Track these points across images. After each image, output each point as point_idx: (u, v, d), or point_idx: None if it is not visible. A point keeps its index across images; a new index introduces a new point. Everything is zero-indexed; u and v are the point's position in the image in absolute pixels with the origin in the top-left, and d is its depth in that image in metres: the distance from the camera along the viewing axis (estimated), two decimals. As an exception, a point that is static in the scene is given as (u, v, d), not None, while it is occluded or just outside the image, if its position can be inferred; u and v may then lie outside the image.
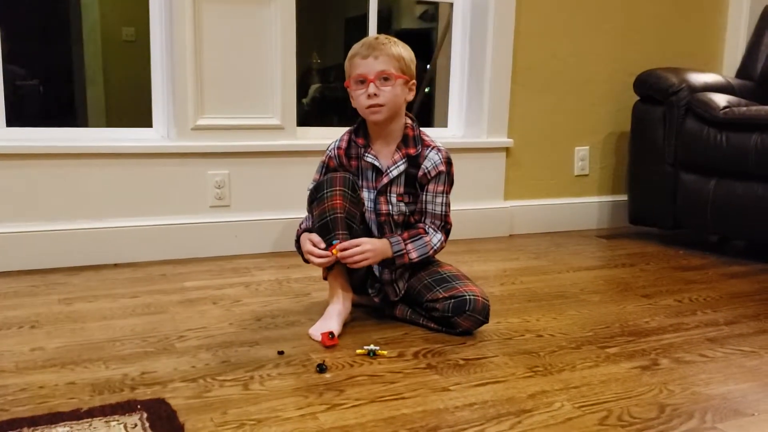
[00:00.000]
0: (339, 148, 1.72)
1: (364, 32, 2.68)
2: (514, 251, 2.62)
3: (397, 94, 1.63)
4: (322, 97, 5.48)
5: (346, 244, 1.57)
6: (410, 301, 1.72)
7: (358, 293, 1.74)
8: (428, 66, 4.03)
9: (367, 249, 1.58)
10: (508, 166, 2.87)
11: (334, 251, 1.56)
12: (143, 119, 2.44)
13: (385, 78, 1.61)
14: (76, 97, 4.59)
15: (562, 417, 1.22)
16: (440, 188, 1.68)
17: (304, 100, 5.29)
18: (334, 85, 5.48)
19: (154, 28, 2.34)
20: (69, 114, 4.55)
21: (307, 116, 5.25)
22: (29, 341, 1.54)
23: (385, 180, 1.68)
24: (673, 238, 2.86)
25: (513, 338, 1.63)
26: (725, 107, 2.53)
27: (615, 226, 3.11)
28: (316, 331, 1.59)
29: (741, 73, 3.04)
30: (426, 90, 3.87)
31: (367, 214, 1.70)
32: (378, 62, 1.61)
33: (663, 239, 2.86)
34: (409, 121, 1.71)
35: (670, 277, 2.27)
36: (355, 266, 1.60)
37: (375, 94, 1.60)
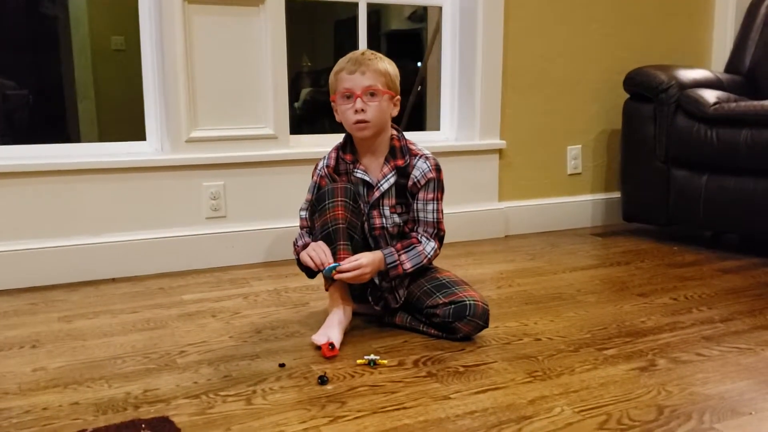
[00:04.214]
0: (328, 166, 1.73)
1: (354, 35, 2.69)
2: (510, 253, 2.63)
3: (383, 109, 1.64)
4: (313, 100, 5.49)
5: (344, 267, 1.57)
6: (410, 308, 1.73)
7: (358, 302, 1.75)
8: (419, 64, 4.04)
9: (366, 272, 1.59)
10: (501, 167, 2.88)
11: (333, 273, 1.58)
12: (136, 132, 2.45)
13: (371, 93, 1.62)
14: (68, 110, 4.57)
15: (562, 422, 1.24)
16: (430, 195, 1.70)
17: (296, 105, 5.31)
18: (325, 88, 5.48)
19: (144, 40, 2.34)
20: (61, 128, 4.53)
21: (300, 120, 5.26)
22: (31, 361, 1.55)
23: (377, 194, 1.69)
24: (666, 234, 2.88)
25: (511, 343, 1.65)
26: (715, 103, 2.55)
27: (609, 223, 3.13)
28: (319, 337, 1.60)
29: (729, 67, 3.06)
30: (418, 88, 3.88)
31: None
32: (365, 78, 1.62)
33: (657, 235, 2.88)
34: (394, 132, 1.72)
35: (665, 274, 2.29)
36: (353, 282, 1.62)
37: (362, 110, 1.61)
